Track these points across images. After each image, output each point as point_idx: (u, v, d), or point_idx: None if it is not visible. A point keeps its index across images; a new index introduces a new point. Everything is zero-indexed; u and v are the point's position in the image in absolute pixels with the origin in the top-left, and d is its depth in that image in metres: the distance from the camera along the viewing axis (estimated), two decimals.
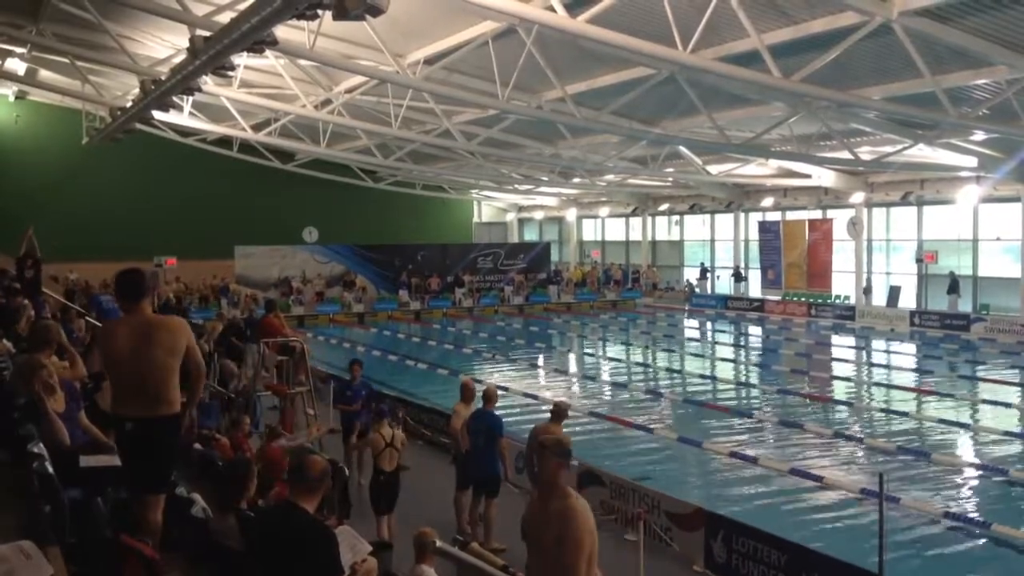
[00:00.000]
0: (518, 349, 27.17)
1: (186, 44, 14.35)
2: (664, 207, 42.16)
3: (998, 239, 29.46)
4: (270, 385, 14.49)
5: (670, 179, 33.76)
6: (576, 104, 19.11)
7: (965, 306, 29.40)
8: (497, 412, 10.16)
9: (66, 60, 22.57)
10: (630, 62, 18.00)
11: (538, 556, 4.94)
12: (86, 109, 30.73)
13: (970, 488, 12.52)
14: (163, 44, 21.49)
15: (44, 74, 29.04)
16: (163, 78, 17.48)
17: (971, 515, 11.05)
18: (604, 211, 45.87)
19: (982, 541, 10.28)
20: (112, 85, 27.38)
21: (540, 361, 25.05)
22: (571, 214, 47.83)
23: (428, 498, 10.87)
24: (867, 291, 32.30)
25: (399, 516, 9.51)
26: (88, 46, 21.61)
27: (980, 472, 13.11)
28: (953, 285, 29.33)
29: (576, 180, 36.38)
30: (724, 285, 39.37)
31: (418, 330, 32.01)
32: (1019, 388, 19.99)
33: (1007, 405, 17.85)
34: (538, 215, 50.25)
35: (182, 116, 24.08)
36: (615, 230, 47.01)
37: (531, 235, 51.26)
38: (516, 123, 24.81)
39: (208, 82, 17.92)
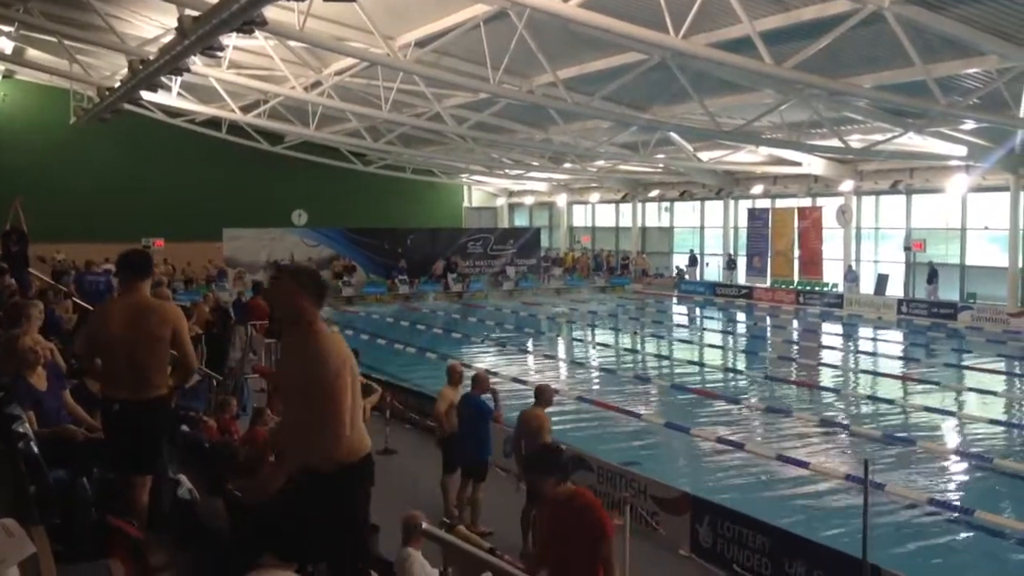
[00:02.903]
0: (507, 334, 27.19)
1: (175, 24, 14.25)
2: (654, 193, 42.14)
3: (986, 228, 29.62)
4: (258, 367, 14.47)
5: (660, 165, 33.77)
6: (567, 89, 19.07)
7: (951, 294, 29.58)
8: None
9: (54, 39, 22.37)
10: (622, 47, 17.96)
11: (294, 407, 4.20)
12: (74, 89, 30.43)
13: (954, 475, 12.61)
14: (152, 24, 21.33)
15: (31, 53, 28.79)
16: (151, 58, 17.37)
17: (955, 502, 11.14)
18: (595, 197, 45.83)
19: (965, 527, 10.36)
20: (100, 65, 27.18)
21: (529, 346, 25.09)
22: (561, 199, 47.77)
23: (416, 481, 10.88)
24: (850, 278, 32.36)
25: (386, 499, 9.51)
26: (76, 25, 21.41)
27: (964, 459, 13.20)
28: (932, 274, 29.60)
29: (567, 165, 36.36)
30: (713, 272, 39.47)
31: (407, 314, 31.94)
32: (1004, 376, 20.11)
33: (992, 393, 17.96)
34: (528, 200, 50.18)
35: (170, 97, 23.91)
36: (605, 216, 46.99)
37: (521, 220, 51.18)
38: (507, 107, 24.74)
39: (197, 62, 17.80)
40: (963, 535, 10.26)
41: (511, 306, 34.50)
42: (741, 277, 37.14)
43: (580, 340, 27.13)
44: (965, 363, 21.58)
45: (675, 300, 36.97)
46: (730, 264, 37.62)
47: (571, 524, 5.00)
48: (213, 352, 15.26)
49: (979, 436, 14.56)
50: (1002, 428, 15.10)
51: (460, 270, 38.47)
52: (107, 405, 5.39)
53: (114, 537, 4.66)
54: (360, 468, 4.10)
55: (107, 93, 22.64)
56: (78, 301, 13.91)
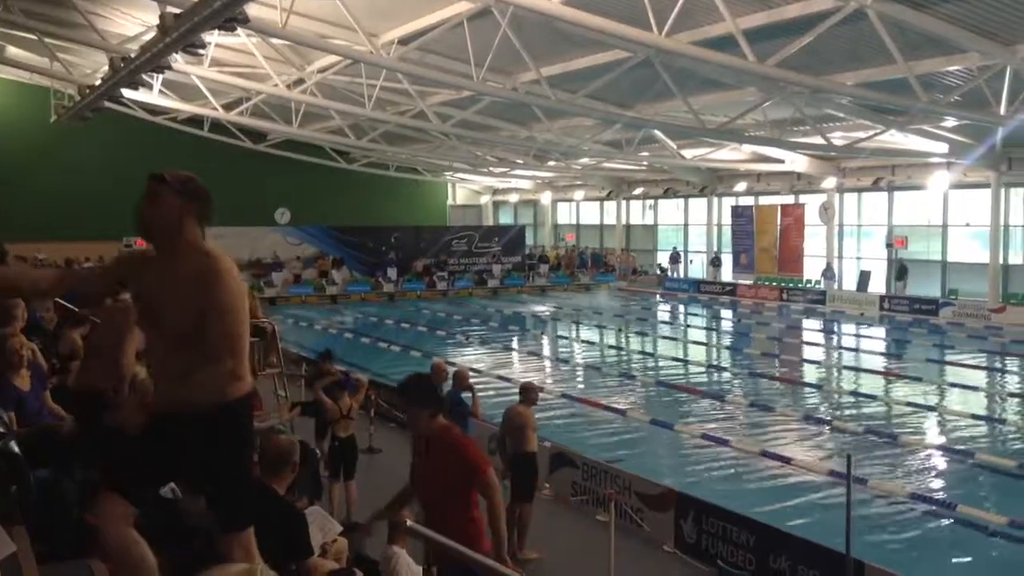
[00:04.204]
0: (492, 332, 27.18)
1: (156, 21, 14.17)
2: (638, 191, 42.24)
3: (967, 225, 29.84)
4: None
5: (644, 163, 33.84)
6: (551, 86, 19.07)
7: (933, 291, 29.82)
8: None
9: (34, 37, 22.19)
10: (605, 45, 17.97)
11: (165, 339, 3.50)
12: (54, 87, 30.25)
13: (936, 470, 12.69)
14: (133, 21, 21.19)
15: (11, 50, 28.54)
16: (132, 56, 17.26)
17: (937, 496, 11.21)
18: (579, 195, 45.90)
19: (947, 522, 10.43)
20: (81, 63, 26.98)
21: (514, 343, 25.09)
22: (546, 197, 47.82)
23: (400, 479, 10.84)
24: (828, 276, 32.56)
25: (371, 497, 9.50)
26: (56, 22, 21.24)
27: (946, 454, 13.28)
28: (901, 271, 29.91)
29: (551, 163, 36.36)
30: (697, 269, 39.59)
31: (392, 312, 31.87)
32: (986, 372, 20.26)
33: (974, 388, 18.08)
34: (513, 198, 50.20)
35: (152, 95, 23.79)
36: (590, 214, 47.08)
37: (506, 218, 51.19)
38: (491, 105, 24.72)
39: (178, 60, 17.73)
40: (945, 529, 10.32)
41: (496, 304, 34.49)
42: (727, 274, 37.27)
43: (565, 337, 27.15)
44: (947, 359, 21.72)
45: (660, 298, 37.06)
46: (715, 262, 37.75)
47: (443, 461, 4.93)
48: None
49: (961, 431, 14.65)
50: (983, 423, 15.19)
51: (450, 268, 38.51)
52: (85, 399, 5.38)
53: (96, 537, 4.62)
54: (241, 406, 3.55)
55: (88, 91, 22.51)
56: (59, 301, 13.78)
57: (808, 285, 33.32)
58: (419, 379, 5.29)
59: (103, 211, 35.61)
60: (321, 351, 11.66)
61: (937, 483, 12.05)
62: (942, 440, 14.20)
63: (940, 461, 13.08)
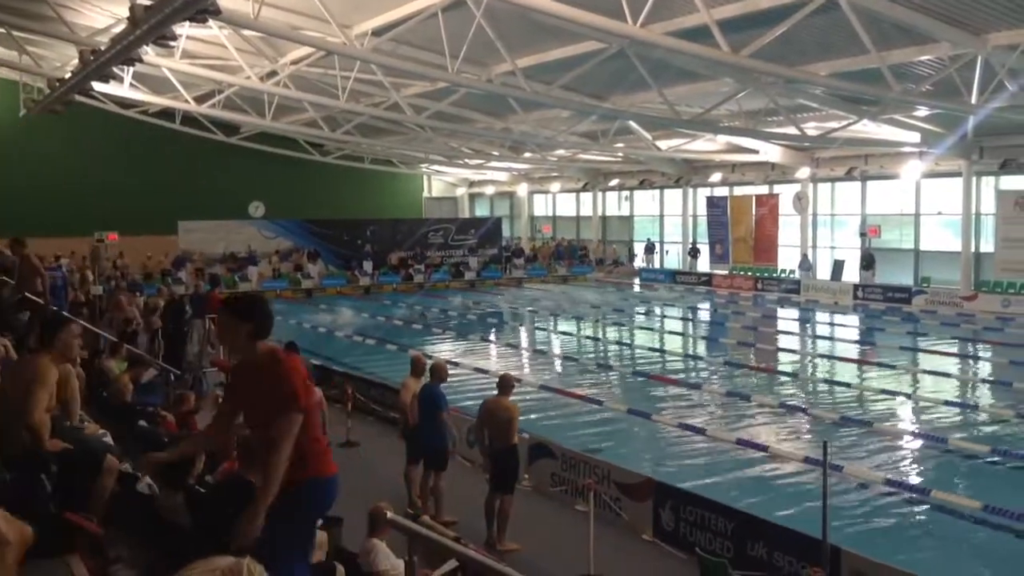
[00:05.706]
0: (469, 324, 27.16)
1: (126, 13, 14.00)
2: (614, 182, 42.34)
3: (940, 213, 30.16)
4: (216, 361, 14.34)
5: (620, 154, 33.90)
6: (526, 78, 19.03)
7: (906, 279, 30.11)
8: (445, 387, 10.10)
9: (2, 30, 21.87)
10: (580, 36, 17.98)
11: None
12: (23, 80, 29.86)
13: (910, 456, 12.82)
14: (103, 13, 20.91)
15: None
16: (102, 48, 17.04)
17: (911, 482, 11.34)
18: (555, 186, 45.91)
19: (922, 507, 10.54)
20: (50, 55, 26.65)
21: (492, 336, 25.08)
22: (522, 189, 47.79)
23: (379, 472, 10.85)
24: (804, 267, 32.77)
25: (349, 491, 9.47)
26: (25, 15, 20.94)
27: (920, 440, 13.43)
28: (869, 261, 30.28)
29: (527, 155, 36.34)
30: (674, 260, 39.76)
31: (368, 306, 31.76)
32: (958, 358, 20.49)
33: (946, 375, 18.29)
34: (489, 190, 50.13)
35: (122, 87, 23.51)
36: (566, 205, 47.15)
37: (482, 210, 51.10)
38: (466, 97, 24.66)
39: (149, 52, 17.52)
40: (920, 514, 10.44)
41: (473, 296, 34.45)
42: (704, 265, 37.41)
43: (543, 329, 27.16)
44: (920, 346, 21.94)
45: (637, 288, 37.17)
46: (693, 252, 37.88)
47: (265, 388, 4.40)
48: (169, 347, 15.13)
49: (934, 417, 14.81)
50: (956, 409, 15.36)
51: (428, 261, 38.41)
52: None
53: (74, 534, 4.59)
54: None
55: (58, 84, 22.20)
56: (31, 297, 13.63)
57: (783, 275, 33.54)
58: (251, 296, 4.77)
59: (76, 205, 35.31)
60: (285, 343, 11.58)
61: (912, 469, 12.18)
62: (916, 426, 14.36)
63: (914, 447, 13.23)
